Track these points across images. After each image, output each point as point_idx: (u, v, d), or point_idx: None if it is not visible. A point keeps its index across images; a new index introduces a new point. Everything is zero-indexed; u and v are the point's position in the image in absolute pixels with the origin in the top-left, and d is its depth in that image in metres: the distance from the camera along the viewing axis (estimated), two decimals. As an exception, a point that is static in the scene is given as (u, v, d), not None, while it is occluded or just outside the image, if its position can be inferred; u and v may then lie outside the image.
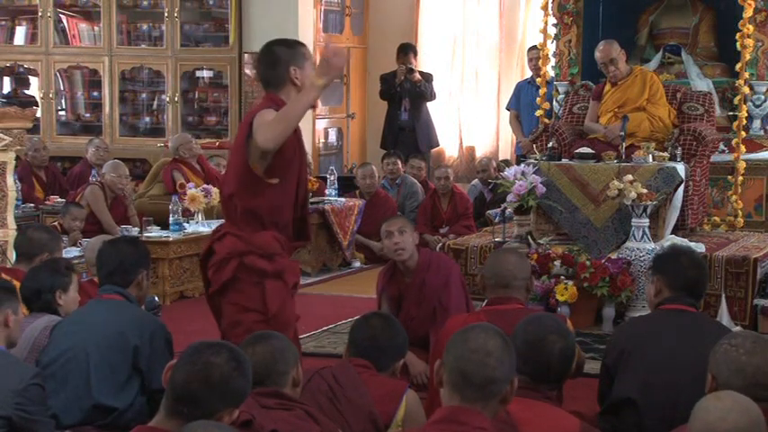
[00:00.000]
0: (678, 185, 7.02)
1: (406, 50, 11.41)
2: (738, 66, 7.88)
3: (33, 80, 11.99)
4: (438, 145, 11.78)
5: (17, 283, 4.67)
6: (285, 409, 3.30)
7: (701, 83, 8.18)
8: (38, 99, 11.72)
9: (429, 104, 11.48)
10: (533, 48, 10.61)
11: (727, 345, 3.14)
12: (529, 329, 3.52)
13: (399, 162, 10.35)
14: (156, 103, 11.70)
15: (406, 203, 10.11)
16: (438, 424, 2.89)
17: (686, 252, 4.37)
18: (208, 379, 2.81)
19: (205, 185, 8.77)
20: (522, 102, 10.52)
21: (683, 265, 4.16)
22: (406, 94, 11.29)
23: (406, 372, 4.95)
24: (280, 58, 4.40)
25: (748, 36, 7.82)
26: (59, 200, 9.36)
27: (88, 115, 11.86)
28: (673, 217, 7.15)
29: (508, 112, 10.92)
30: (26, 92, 12.10)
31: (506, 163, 10.89)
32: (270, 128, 4.14)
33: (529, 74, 10.88)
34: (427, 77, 11.38)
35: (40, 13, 11.53)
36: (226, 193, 4.40)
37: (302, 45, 4.53)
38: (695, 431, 2.69)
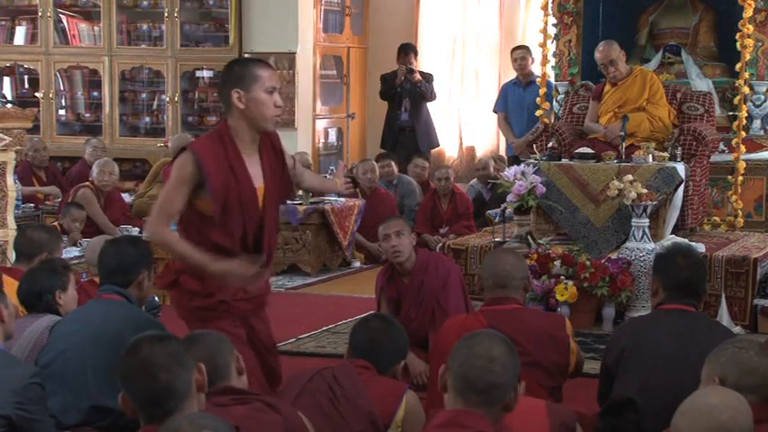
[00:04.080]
0: (678, 185, 7.03)
1: (407, 51, 11.41)
2: (738, 66, 7.89)
3: (33, 80, 11.98)
4: (438, 145, 11.77)
5: (16, 282, 4.68)
6: (242, 404, 3.22)
7: (701, 83, 8.19)
8: (39, 99, 11.71)
9: (429, 104, 11.48)
10: (517, 48, 10.71)
11: (735, 348, 3.14)
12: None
13: (393, 163, 10.37)
14: (156, 103, 11.69)
15: (405, 203, 10.11)
16: (441, 428, 2.89)
17: (683, 252, 4.33)
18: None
19: (205, 185, 8.75)
20: (509, 103, 10.62)
21: (679, 265, 4.15)
22: (406, 95, 11.29)
23: (406, 372, 4.94)
24: (224, 79, 4.22)
25: (748, 36, 7.83)
26: (59, 200, 9.35)
27: (88, 115, 11.85)
28: (673, 217, 7.16)
29: (495, 115, 10.96)
30: (27, 92, 12.09)
31: (502, 159, 10.97)
32: (156, 234, 4.14)
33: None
34: (427, 78, 11.38)
35: (39, 13, 11.52)
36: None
37: (259, 65, 4.23)
38: (703, 429, 2.67)
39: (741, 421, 2.69)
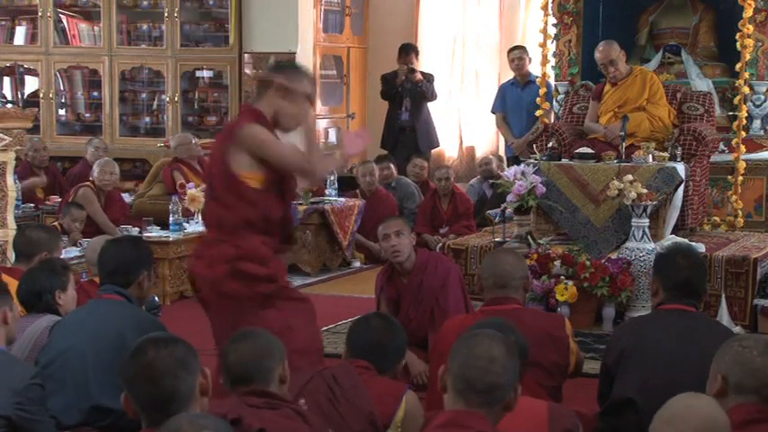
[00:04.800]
0: (678, 185, 7.03)
1: (408, 50, 11.40)
2: (738, 66, 7.90)
3: (33, 80, 11.98)
4: (438, 145, 11.77)
5: (16, 282, 4.68)
6: (272, 409, 3.24)
7: (701, 83, 8.19)
8: (39, 99, 11.71)
9: (429, 104, 11.48)
10: (514, 48, 10.75)
11: (739, 346, 3.11)
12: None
13: (392, 166, 10.36)
14: (156, 103, 11.68)
15: (404, 206, 10.09)
16: (441, 428, 2.89)
17: (683, 252, 4.34)
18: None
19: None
20: (508, 103, 10.66)
21: (679, 265, 4.15)
22: (407, 94, 11.28)
23: (406, 372, 4.94)
24: (273, 68, 4.59)
25: (748, 36, 7.84)
26: (59, 200, 9.35)
27: (88, 115, 11.84)
28: (673, 217, 7.16)
29: (494, 116, 10.97)
30: (26, 92, 12.09)
31: (501, 159, 10.99)
32: (288, 156, 4.31)
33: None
34: (428, 77, 11.37)
35: (39, 13, 11.52)
36: (212, 205, 4.41)
37: (306, 75, 4.54)
38: (701, 429, 2.68)
39: (724, 416, 2.70)
